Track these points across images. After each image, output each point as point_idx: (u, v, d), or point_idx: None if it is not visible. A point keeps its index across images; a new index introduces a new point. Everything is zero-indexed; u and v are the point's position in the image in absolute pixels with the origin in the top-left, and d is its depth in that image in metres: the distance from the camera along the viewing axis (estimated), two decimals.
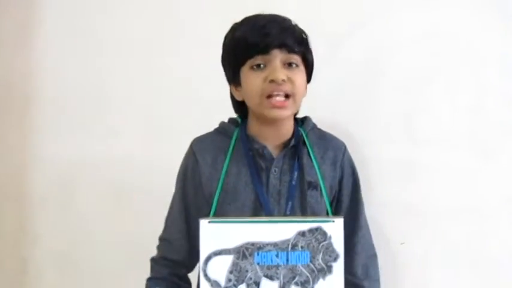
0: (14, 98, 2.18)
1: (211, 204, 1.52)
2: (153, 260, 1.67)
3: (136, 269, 2.07)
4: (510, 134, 2.05)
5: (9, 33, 2.19)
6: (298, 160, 1.55)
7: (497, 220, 2.03)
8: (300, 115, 1.67)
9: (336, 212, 1.59)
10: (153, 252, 2.08)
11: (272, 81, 1.45)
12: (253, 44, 1.47)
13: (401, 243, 2.03)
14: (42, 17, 2.17)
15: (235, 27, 1.55)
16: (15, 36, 2.18)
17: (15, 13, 2.18)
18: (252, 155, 1.54)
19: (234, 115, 1.67)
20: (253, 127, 1.58)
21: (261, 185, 1.52)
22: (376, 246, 1.69)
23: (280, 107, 1.47)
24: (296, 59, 1.50)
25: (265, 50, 1.46)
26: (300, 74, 1.51)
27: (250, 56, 1.48)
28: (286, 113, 1.50)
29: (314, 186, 1.55)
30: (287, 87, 1.47)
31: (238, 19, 1.59)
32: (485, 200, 2.03)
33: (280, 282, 1.40)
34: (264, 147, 1.55)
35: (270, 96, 1.47)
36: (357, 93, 2.06)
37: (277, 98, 1.47)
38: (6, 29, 2.19)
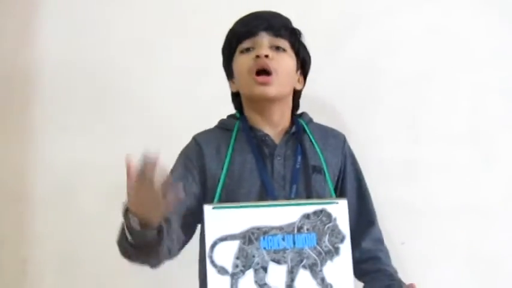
0: (14, 98, 2.18)
1: (216, 192, 1.53)
2: None
3: (136, 270, 2.07)
4: (510, 134, 2.07)
5: (10, 33, 2.20)
6: (300, 145, 1.58)
7: (498, 220, 2.04)
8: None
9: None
10: None
11: (257, 57, 1.52)
12: (241, 29, 1.58)
13: (402, 243, 2.03)
14: (43, 17, 2.19)
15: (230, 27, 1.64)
16: (16, 36, 2.19)
17: (17, 12, 2.19)
18: (256, 142, 1.57)
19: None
20: (249, 117, 1.62)
21: (266, 171, 1.54)
22: None
23: (265, 83, 1.52)
24: (284, 43, 1.58)
25: (251, 32, 1.56)
26: (286, 57, 1.58)
27: (239, 41, 1.58)
28: (271, 90, 1.54)
29: (318, 170, 1.57)
30: (272, 64, 1.52)
31: (238, 18, 1.63)
32: (486, 200, 2.04)
33: (288, 266, 1.39)
34: (266, 135, 1.58)
35: (256, 74, 1.52)
36: (358, 93, 2.08)
37: (262, 76, 1.53)
38: (7, 28, 2.20)
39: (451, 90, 2.07)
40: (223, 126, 1.64)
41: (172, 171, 1.56)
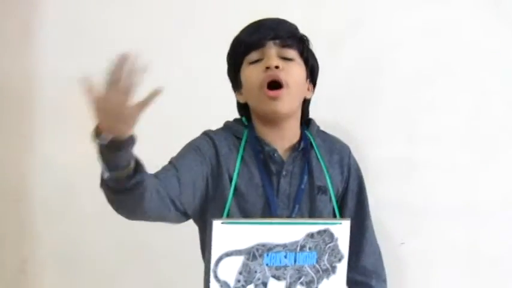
0: (14, 98, 2.18)
1: (221, 203, 1.50)
2: None
3: (136, 270, 2.10)
4: (510, 134, 2.06)
5: (11, 34, 2.19)
6: (308, 163, 1.56)
7: (497, 220, 2.03)
8: None
9: (341, 215, 1.60)
10: (153, 252, 2.09)
11: (267, 68, 1.48)
12: (248, 40, 1.53)
13: (401, 243, 2.04)
14: (44, 18, 2.17)
15: (236, 35, 1.59)
16: (16, 37, 2.18)
17: (17, 14, 2.17)
18: (263, 158, 1.54)
19: (236, 116, 1.67)
20: (258, 128, 1.58)
21: (272, 189, 1.51)
22: None
23: (275, 97, 1.48)
24: (292, 53, 1.53)
25: (258, 43, 1.51)
26: (296, 67, 1.53)
27: (246, 53, 1.53)
28: (283, 105, 1.50)
29: (323, 191, 1.56)
30: (282, 75, 1.48)
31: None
32: (485, 200, 2.03)
33: (287, 282, 1.41)
34: (275, 150, 1.54)
35: (268, 87, 1.48)
36: (357, 93, 2.07)
37: (273, 90, 1.48)
38: (7, 29, 2.19)
39: (451, 91, 2.06)
40: (232, 132, 1.59)
41: (178, 157, 1.52)
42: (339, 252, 1.45)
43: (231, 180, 1.51)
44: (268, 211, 1.49)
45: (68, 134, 2.14)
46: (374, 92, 2.08)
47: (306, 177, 1.54)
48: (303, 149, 1.57)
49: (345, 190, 1.64)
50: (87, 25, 2.15)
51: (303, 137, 1.59)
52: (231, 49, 1.60)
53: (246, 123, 1.61)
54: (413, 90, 2.07)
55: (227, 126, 1.63)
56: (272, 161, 1.54)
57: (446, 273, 2.03)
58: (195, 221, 1.58)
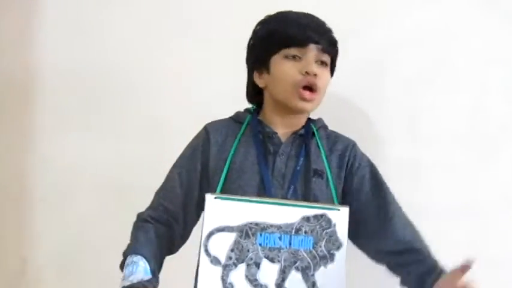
0: (14, 98, 2.19)
1: (216, 182, 1.53)
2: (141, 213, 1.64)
3: None
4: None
5: (11, 32, 2.21)
6: (305, 147, 1.58)
7: (498, 220, 2.03)
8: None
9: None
10: None
11: (307, 73, 1.52)
12: (292, 35, 1.55)
13: None
14: (43, 17, 2.19)
15: (268, 19, 1.62)
16: (16, 35, 2.20)
17: (17, 12, 2.20)
18: (262, 137, 1.58)
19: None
20: (267, 114, 1.63)
21: (267, 167, 1.53)
22: None
23: (308, 100, 1.54)
24: (327, 58, 1.59)
25: (303, 43, 1.55)
26: (327, 73, 1.60)
27: (287, 46, 1.55)
28: (311, 106, 1.58)
29: (319, 174, 1.56)
30: (317, 81, 1.54)
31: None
32: (486, 200, 2.03)
33: (281, 265, 1.40)
34: (275, 132, 1.59)
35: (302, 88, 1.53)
36: (360, 93, 2.08)
37: (308, 92, 1.53)
38: (7, 27, 2.21)
39: (453, 91, 2.07)
40: (235, 118, 1.65)
41: (180, 158, 1.63)
42: (337, 239, 1.43)
43: (225, 161, 1.55)
44: (263, 189, 1.50)
45: (68, 134, 2.15)
46: (377, 92, 2.09)
47: (302, 159, 1.55)
48: (303, 134, 1.60)
49: (351, 178, 1.61)
50: (88, 25, 2.18)
51: (305, 125, 1.63)
52: (268, 35, 1.60)
53: (252, 110, 1.66)
54: (416, 90, 2.08)
55: (234, 114, 1.68)
56: (271, 141, 1.58)
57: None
58: None
